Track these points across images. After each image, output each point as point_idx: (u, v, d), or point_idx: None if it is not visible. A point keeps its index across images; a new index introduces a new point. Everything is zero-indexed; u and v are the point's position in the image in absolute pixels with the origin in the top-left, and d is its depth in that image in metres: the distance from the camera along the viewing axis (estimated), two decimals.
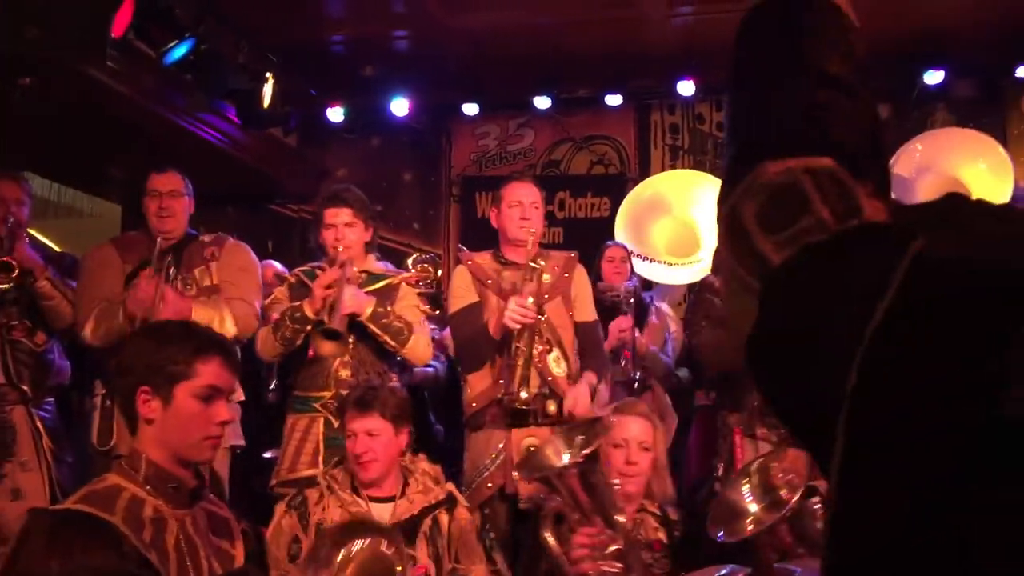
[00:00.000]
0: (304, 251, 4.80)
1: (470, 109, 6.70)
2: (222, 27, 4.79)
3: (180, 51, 4.51)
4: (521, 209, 3.51)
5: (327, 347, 3.35)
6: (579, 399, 3.32)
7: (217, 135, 5.61)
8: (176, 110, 5.25)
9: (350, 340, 3.46)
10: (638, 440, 2.79)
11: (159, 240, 3.56)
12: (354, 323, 3.45)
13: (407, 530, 2.70)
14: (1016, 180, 5.60)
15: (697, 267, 5.25)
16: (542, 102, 6.51)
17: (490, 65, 6.08)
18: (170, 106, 5.19)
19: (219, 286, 3.64)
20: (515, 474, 3.20)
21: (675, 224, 5.74)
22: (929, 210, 0.69)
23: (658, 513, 2.79)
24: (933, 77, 5.90)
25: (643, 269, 5.33)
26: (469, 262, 3.59)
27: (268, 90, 5.28)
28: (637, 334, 4.32)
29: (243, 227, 5.78)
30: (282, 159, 6.54)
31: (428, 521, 2.79)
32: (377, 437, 2.78)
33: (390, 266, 3.87)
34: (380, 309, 3.46)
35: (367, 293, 3.51)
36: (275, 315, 3.53)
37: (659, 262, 5.45)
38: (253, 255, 3.86)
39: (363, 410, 2.81)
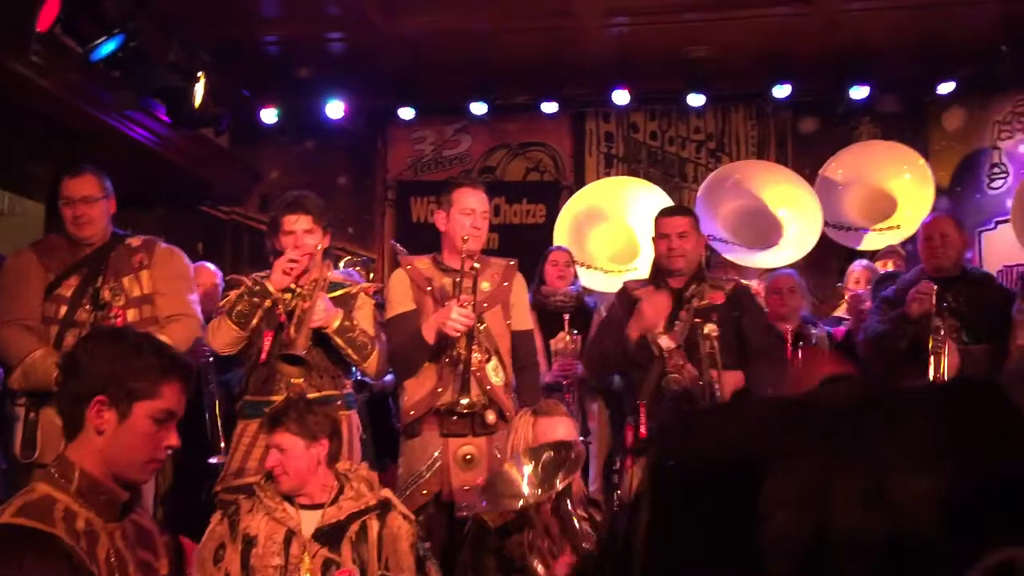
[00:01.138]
0: (237, 254, 4.73)
1: (406, 113, 6.67)
2: (153, 24, 4.68)
3: (108, 47, 4.39)
4: (473, 218, 3.47)
5: (291, 372, 3.30)
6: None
7: (146, 134, 5.48)
8: (103, 107, 5.11)
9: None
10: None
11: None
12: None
13: (332, 535, 2.72)
14: (937, 189, 5.81)
15: (634, 275, 5.31)
16: (479, 108, 6.51)
17: (427, 70, 6.08)
18: (97, 103, 5.06)
19: (153, 296, 3.55)
20: (465, 487, 3.20)
21: (613, 231, 5.81)
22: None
23: (585, 516, 2.80)
24: (859, 92, 6.07)
25: (583, 276, 5.38)
26: (408, 266, 3.56)
27: (199, 89, 5.17)
28: (579, 368, 4.28)
29: (172, 229, 5.66)
30: (213, 160, 6.42)
31: (355, 527, 2.80)
32: (287, 452, 2.82)
33: (353, 274, 3.81)
34: (347, 323, 3.41)
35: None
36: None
37: (598, 269, 5.50)
38: (186, 260, 3.77)
39: (272, 426, 2.87)
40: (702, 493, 0.64)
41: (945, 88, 6.08)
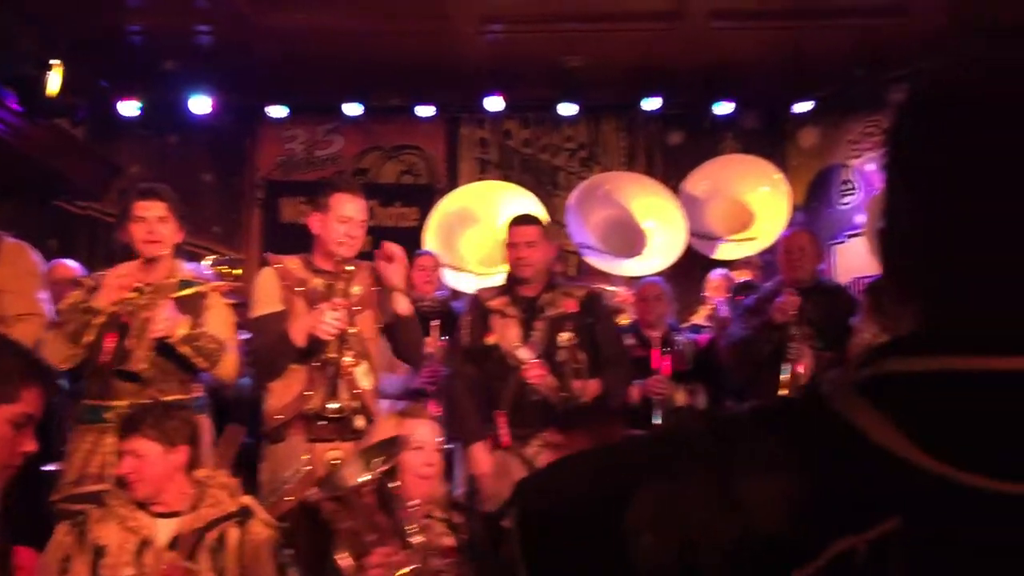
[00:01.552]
0: (93, 252, 4.50)
1: (277, 111, 6.52)
2: (6, 9, 4.42)
3: None
4: (349, 226, 3.39)
5: (126, 388, 3.14)
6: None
7: None
8: None
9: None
10: (432, 443, 2.81)
11: None
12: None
13: (188, 544, 2.63)
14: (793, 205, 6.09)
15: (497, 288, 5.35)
16: (352, 109, 6.43)
17: (299, 67, 5.95)
18: None
19: (0, 294, 3.34)
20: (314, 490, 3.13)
21: (484, 235, 5.82)
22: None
23: (445, 518, 2.80)
24: (723, 108, 6.32)
25: (453, 279, 5.37)
26: (278, 266, 3.45)
27: (54, 78, 4.91)
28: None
29: (23, 224, 5.33)
30: (68, 152, 6.09)
31: (213, 535, 2.70)
32: (143, 458, 2.70)
33: (203, 270, 3.65)
34: (193, 330, 3.25)
35: (175, 300, 3.30)
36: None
37: (468, 272, 5.50)
38: (36, 256, 3.56)
39: (128, 431, 2.76)
40: (576, 541, 0.66)
41: (802, 107, 6.39)
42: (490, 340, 3.75)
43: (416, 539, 2.43)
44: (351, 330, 3.30)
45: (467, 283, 5.52)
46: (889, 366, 0.64)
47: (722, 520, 0.60)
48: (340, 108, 6.44)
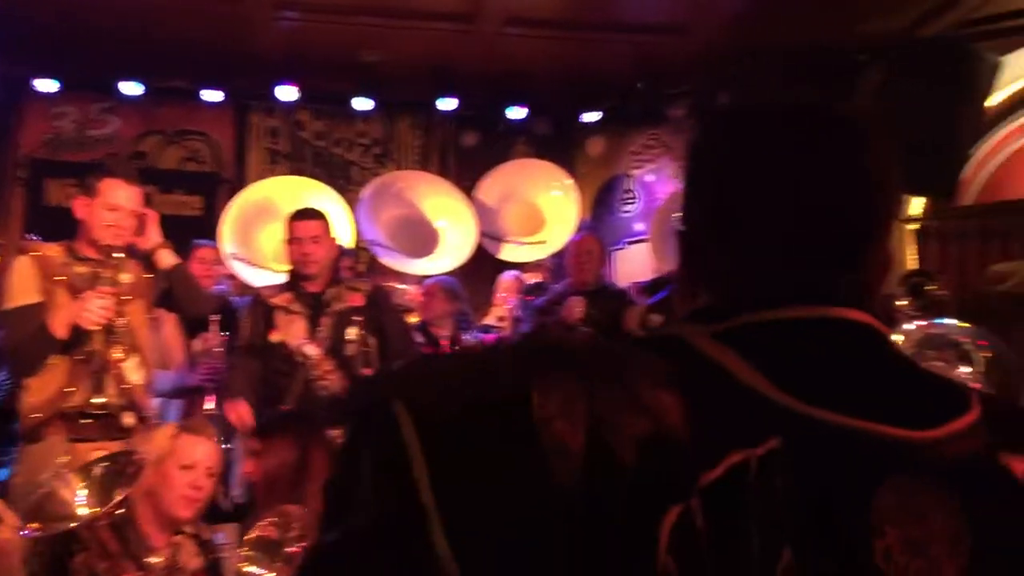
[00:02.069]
0: None
1: (46, 85, 6.02)
2: None
3: None
4: (119, 214, 3.17)
5: None
6: None
7: None
8: None
9: None
10: (206, 465, 2.65)
11: None
12: None
13: None
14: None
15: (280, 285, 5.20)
16: (131, 88, 6.05)
17: (74, 38, 5.52)
18: None
19: None
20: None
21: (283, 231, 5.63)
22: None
23: (194, 533, 2.67)
24: (516, 113, 6.46)
25: (247, 274, 5.16)
26: (36, 254, 3.18)
27: None
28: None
29: None
30: None
31: None
32: None
33: None
34: None
35: None
36: None
37: (264, 268, 5.30)
38: None
39: None
40: (474, 431, 0.65)
41: (590, 117, 6.64)
42: (275, 337, 3.65)
43: (154, 560, 2.30)
44: (120, 321, 3.10)
45: (264, 280, 5.32)
46: (742, 319, 0.74)
47: (633, 417, 0.64)
48: (117, 86, 6.04)
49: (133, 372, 3.17)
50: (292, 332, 3.65)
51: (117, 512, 2.23)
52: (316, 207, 4.07)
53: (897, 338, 2.92)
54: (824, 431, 0.66)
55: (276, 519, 2.27)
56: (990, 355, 2.97)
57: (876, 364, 0.74)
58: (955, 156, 4.72)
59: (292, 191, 5.87)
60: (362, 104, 6.42)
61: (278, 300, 3.72)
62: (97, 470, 2.35)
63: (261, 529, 2.27)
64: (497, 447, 0.64)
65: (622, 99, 6.33)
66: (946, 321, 3.11)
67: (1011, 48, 5.03)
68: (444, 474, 0.64)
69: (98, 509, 2.23)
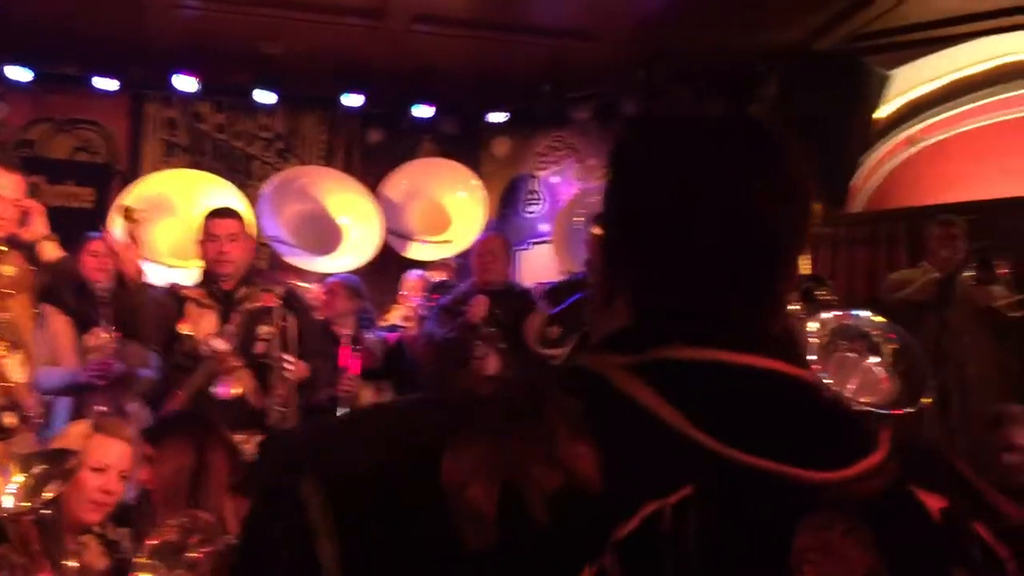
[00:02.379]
0: None
1: None
2: None
3: None
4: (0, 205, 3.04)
5: None
6: None
7: None
8: None
9: None
10: (119, 468, 2.55)
11: None
12: None
13: None
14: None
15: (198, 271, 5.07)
16: (18, 73, 5.78)
17: None
18: None
19: None
20: None
21: (179, 226, 5.47)
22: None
23: (101, 533, 2.57)
24: (423, 111, 6.42)
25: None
26: None
27: None
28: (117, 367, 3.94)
29: None
30: None
31: None
32: None
33: None
34: None
35: None
36: None
37: (158, 263, 5.13)
38: None
39: None
40: (385, 504, 0.64)
41: (496, 117, 6.66)
42: (183, 328, 3.56)
43: (71, 563, 2.22)
44: (1, 316, 2.96)
45: (157, 274, 5.15)
46: (659, 354, 0.73)
47: (546, 472, 0.62)
48: (4, 71, 5.77)
49: (15, 370, 3.03)
50: (202, 325, 3.59)
51: (44, 511, 2.13)
52: (231, 206, 4.01)
53: (812, 326, 3.05)
54: (742, 473, 0.66)
55: (178, 524, 2.20)
56: (897, 347, 3.13)
57: (791, 407, 0.74)
58: (846, 165, 4.91)
59: (188, 185, 5.71)
60: (265, 97, 6.29)
61: (190, 292, 3.66)
62: (38, 466, 2.24)
63: (162, 534, 2.19)
64: (408, 519, 0.63)
65: (528, 100, 6.36)
66: (860, 313, 3.25)
67: (899, 63, 5.26)
68: (354, 551, 0.63)
69: (27, 504, 2.13)
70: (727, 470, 0.66)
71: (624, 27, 5.24)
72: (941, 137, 5.86)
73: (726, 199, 0.75)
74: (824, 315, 3.40)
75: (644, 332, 0.76)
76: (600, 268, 0.82)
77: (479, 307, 4.31)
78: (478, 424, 0.66)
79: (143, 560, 2.16)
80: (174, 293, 3.68)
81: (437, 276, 5.80)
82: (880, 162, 5.94)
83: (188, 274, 5.00)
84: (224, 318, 3.61)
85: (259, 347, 3.58)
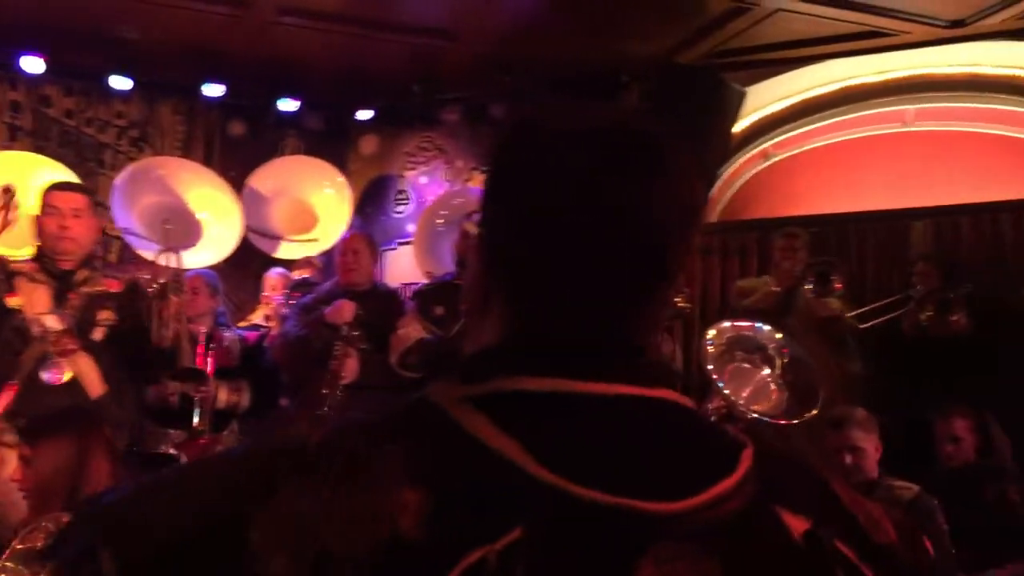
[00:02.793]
0: None
1: None
2: None
3: None
4: None
5: None
6: None
7: None
8: None
9: None
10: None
11: None
12: None
13: None
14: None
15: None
16: None
17: None
18: None
19: None
20: None
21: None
22: None
23: None
24: (288, 105, 6.28)
25: None
26: None
27: None
28: None
29: None
30: None
31: None
32: None
33: None
34: None
35: None
36: None
37: None
38: None
39: None
40: (186, 573, 0.61)
41: (364, 115, 6.58)
42: (12, 302, 3.28)
43: None
44: None
45: None
46: (499, 385, 0.70)
47: (358, 531, 0.60)
48: None
49: None
50: (34, 300, 3.30)
51: None
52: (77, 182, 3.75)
53: (710, 333, 3.13)
54: (581, 510, 0.63)
55: (43, 527, 2.07)
56: (788, 360, 3.25)
57: (645, 434, 0.70)
58: (704, 177, 5.09)
59: (21, 168, 5.38)
60: (119, 83, 6.00)
61: (22, 266, 3.38)
62: None
63: (25, 539, 2.06)
64: None
65: (397, 99, 6.32)
66: (760, 326, 3.37)
67: (753, 81, 5.51)
68: None
69: None
70: (565, 507, 0.63)
71: (491, 31, 5.28)
72: (791, 153, 6.19)
73: (609, 204, 0.71)
74: (722, 324, 3.48)
75: (498, 357, 0.73)
76: (475, 275, 0.78)
77: (343, 310, 4.23)
78: (294, 482, 0.63)
79: (7, 563, 2.04)
80: (1, 265, 3.39)
81: (299, 274, 5.68)
82: (734, 175, 6.21)
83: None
84: (59, 298, 3.35)
85: (97, 333, 3.38)
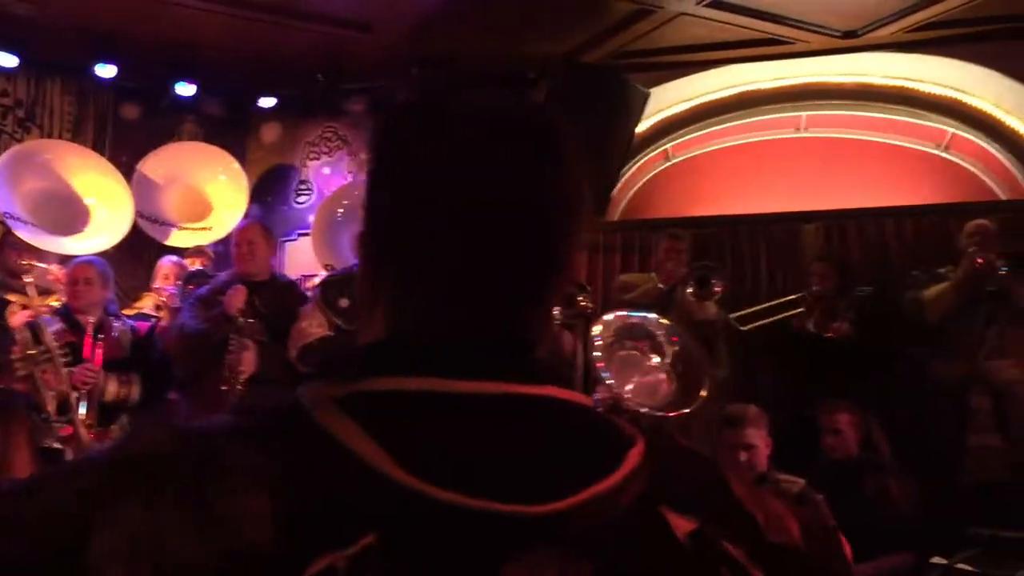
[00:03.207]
0: None
1: None
2: None
3: None
4: None
5: None
6: None
7: None
8: None
9: None
10: None
11: None
12: None
13: None
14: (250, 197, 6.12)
15: None
16: None
17: None
18: None
19: None
20: None
21: None
22: None
23: None
24: (185, 89, 6.09)
25: None
26: None
27: None
28: None
29: None
30: None
31: None
32: None
33: None
34: None
35: None
36: None
37: None
38: None
39: None
40: None
41: (266, 102, 6.43)
42: None
43: None
44: None
45: None
46: (369, 384, 0.67)
47: (201, 542, 0.58)
48: None
49: None
50: None
51: None
52: None
53: (596, 329, 3.11)
54: (444, 514, 0.61)
55: None
56: (678, 349, 3.26)
57: (522, 434, 0.67)
58: (607, 175, 5.17)
59: None
60: (5, 60, 5.72)
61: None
62: None
63: None
64: None
65: (301, 88, 6.20)
66: (647, 315, 3.38)
67: (656, 83, 5.61)
68: None
69: None
70: (424, 512, 0.61)
71: (399, 23, 5.23)
72: (691, 155, 6.33)
73: (493, 194, 0.69)
74: (608, 316, 3.48)
75: (373, 354, 0.71)
76: (361, 269, 0.76)
77: (236, 297, 4.12)
78: (138, 489, 0.60)
79: None
80: None
81: (193, 264, 5.52)
82: (636, 174, 6.32)
83: None
84: None
85: None
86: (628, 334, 3.02)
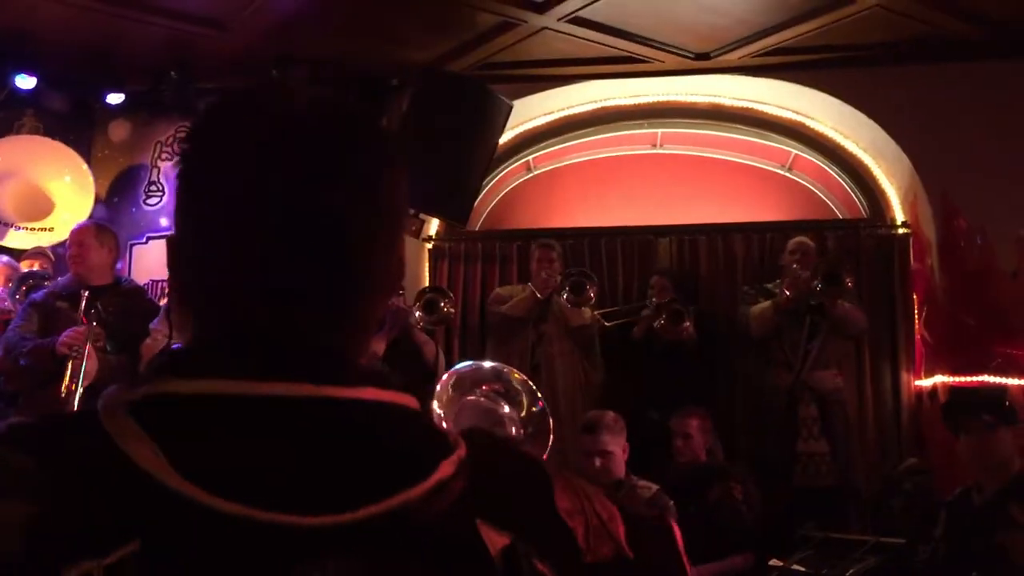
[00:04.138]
0: None
1: None
2: None
3: None
4: None
5: None
6: None
7: None
8: None
9: None
10: None
11: None
12: None
13: None
14: (96, 198, 5.83)
15: None
16: None
17: None
18: None
19: None
20: None
21: None
22: None
23: None
24: (25, 82, 5.74)
25: None
26: None
27: None
28: None
29: None
30: None
31: None
32: None
33: None
34: None
35: None
36: None
37: None
38: None
39: None
40: None
41: (114, 99, 6.13)
42: None
43: None
44: None
45: None
46: (158, 387, 0.65)
47: None
48: None
49: None
50: None
51: None
52: None
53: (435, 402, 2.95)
54: (220, 524, 0.58)
55: None
56: (538, 411, 3.17)
57: (323, 440, 0.64)
58: (469, 184, 5.19)
59: None
60: None
61: None
62: None
63: None
64: None
65: (153, 85, 5.94)
66: (502, 367, 3.26)
67: (519, 95, 5.68)
68: None
69: None
70: (196, 520, 0.58)
71: (257, 22, 5.09)
72: (552, 167, 6.45)
73: (295, 199, 0.67)
74: (462, 365, 3.29)
75: (168, 359, 0.68)
76: (170, 274, 0.75)
77: (73, 338, 3.87)
78: None
79: None
80: None
81: (32, 266, 5.21)
82: (498, 185, 6.38)
83: None
84: None
85: None
86: (479, 380, 2.89)
